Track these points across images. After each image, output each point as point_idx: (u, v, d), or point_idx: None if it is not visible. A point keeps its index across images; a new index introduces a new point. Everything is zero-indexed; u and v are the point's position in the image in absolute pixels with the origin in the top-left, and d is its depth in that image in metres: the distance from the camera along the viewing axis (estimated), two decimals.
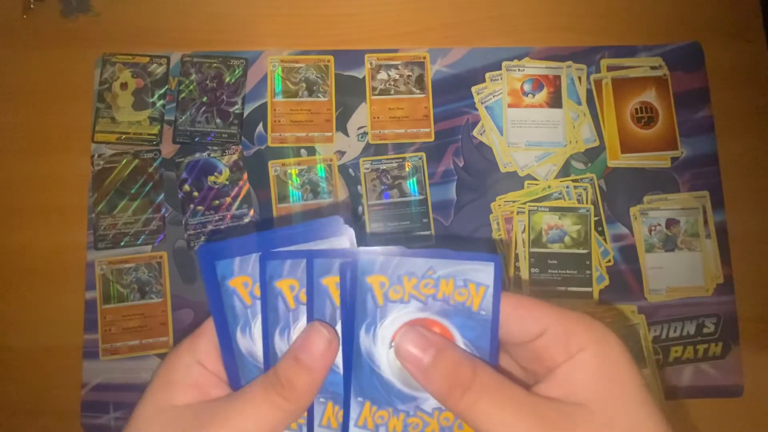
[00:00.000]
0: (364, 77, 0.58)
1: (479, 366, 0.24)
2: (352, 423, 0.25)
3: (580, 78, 0.59)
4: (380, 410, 0.25)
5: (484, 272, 0.25)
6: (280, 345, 0.26)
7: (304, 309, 0.26)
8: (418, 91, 0.58)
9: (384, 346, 0.25)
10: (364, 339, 0.25)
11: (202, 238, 0.55)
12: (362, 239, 0.56)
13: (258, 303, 0.26)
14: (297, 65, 0.58)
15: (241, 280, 0.26)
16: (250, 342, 0.26)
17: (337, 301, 0.26)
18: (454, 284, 0.25)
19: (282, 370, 0.25)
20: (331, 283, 0.26)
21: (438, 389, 0.24)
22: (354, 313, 0.25)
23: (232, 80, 0.58)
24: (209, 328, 0.27)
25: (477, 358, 0.25)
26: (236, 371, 0.27)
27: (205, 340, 0.27)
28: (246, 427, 0.24)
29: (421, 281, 0.25)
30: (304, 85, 0.58)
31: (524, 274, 0.55)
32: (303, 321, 0.26)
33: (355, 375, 0.25)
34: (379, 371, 0.26)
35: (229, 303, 0.26)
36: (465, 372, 0.24)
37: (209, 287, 0.26)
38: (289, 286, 0.26)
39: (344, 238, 0.26)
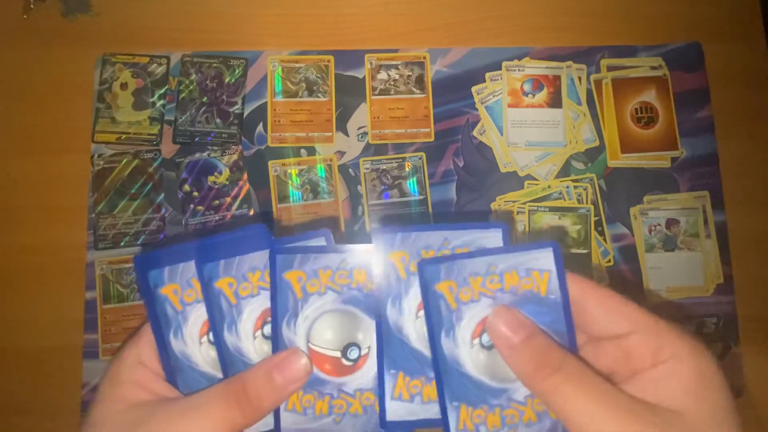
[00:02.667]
0: (364, 77, 0.58)
1: (568, 354, 0.25)
2: (452, 428, 0.26)
3: (580, 78, 0.59)
4: (476, 410, 0.26)
5: (543, 259, 0.26)
6: (230, 340, 0.28)
7: (246, 303, 0.28)
8: (418, 91, 0.58)
9: (466, 347, 0.26)
10: (445, 343, 0.26)
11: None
12: (362, 240, 0.56)
13: (187, 309, 0.28)
14: (297, 65, 0.58)
15: (171, 287, 0.28)
16: (183, 344, 0.28)
17: (299, 293, 0.27)
18: (518, 275, 0.26)
19: (252, 386, 0.26)
20: (293, 277, 0.27)
21: (525, 367, 0.24)
22: (432, 322, 0.26)
23: (232, 80, 0.58)
24: (148, 331, 0.28)
25: (564, 346, 0.25)
26: (172, 371, 0.28)
27: (145, 342, 0.28)
28: (207, 425, 0.25)
29: (487, 278, 0.26)
30: (304, 85, 0.58)
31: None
32: (246, 314, 0.28)
33: (447, 380, 0.26)
34: (466, 372, 0.26)
35: (162, 309, 0.28)
36: (554, 355, 0.24)
37: (144, 295, 0.28)
38: (228, 284, 0.28)
39: (264, 252, 0.28)
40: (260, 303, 0.28)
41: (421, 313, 0.27)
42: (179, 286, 0.28)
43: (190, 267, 0.28)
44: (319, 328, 0.28)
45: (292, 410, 0.27)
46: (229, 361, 0.28)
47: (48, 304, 0.54)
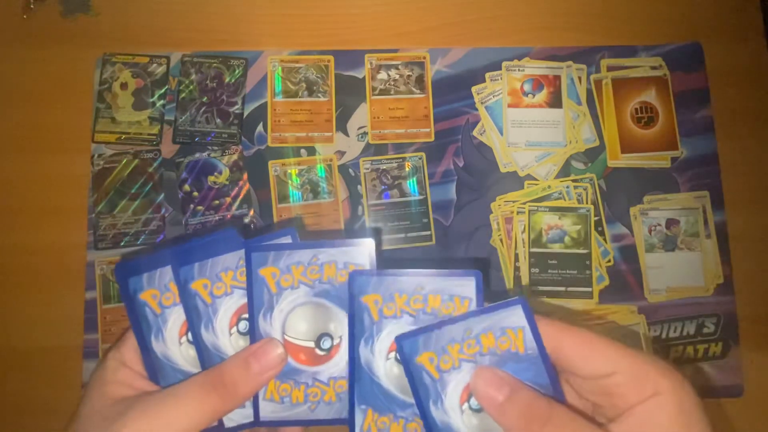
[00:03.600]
0: (364, 77, 0.58)
1: (555, 404, 0.25)
2: (357, 430, 0.27)
3: (580, 78, 0.59)
4: (382, 416, 0.28)
5: (514, 316, 0.27)
6: (207, 337, 0.29)
7: (221, 301, 0.29)
8: (418, 91, 0.58)
9: (456, 413, 0.27)
10: (435, 413, 0.27)
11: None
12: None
13: (166, 311, 0.30)
14: (297, 65, 0.58)
15: (150, 293, 0.30)
16: (163, 346, 0.30)
17: (273, 288, 0.29)
18: (494, 335, 0.27)
19: (228, 373, 0.27)
20: (267, 273, 0.29)
21: (515, 424, 0.25)
22: (419, 395, 0.27)
23: (232, 80, 0.58)
24: (130, 335, 0.30)
25: (549, 396, 0.26)
26: (155, 371, 0.30)
27: (128, 346, 0.30)
28: (178, 420, 0.26)
29: (464, 344, 0.27)
30: (304, 85, 0.58)
31: (524, 274, 0.55)
32: (221, 312, 0.29)
33: (357, 384, 0.28)
34: (378, 381, 0.28)
35: (142, 313, 0.30)
36: (541, 407, 0.25)
37: (125, 301, 0.30)
38: (203, 285, 0.29)
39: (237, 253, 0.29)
40: (234, 301, 0.30)
41: (392, 354, 0.28)
42: (158, 290, 0.30)
43: (167, 272, 0.30)
44: (293, 320, 0.29)
45: (270, 399, 0.28)
46: (208, 358, 0.29)
47: (48, 304, 0.54)
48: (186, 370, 0.30)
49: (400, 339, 0.27)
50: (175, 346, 0.30)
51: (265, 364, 0.27)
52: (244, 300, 0.30)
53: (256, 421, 0.29)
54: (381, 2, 0.60)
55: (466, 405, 0.27)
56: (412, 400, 0.27)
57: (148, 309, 0.30)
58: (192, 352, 0.30)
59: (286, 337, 0.29)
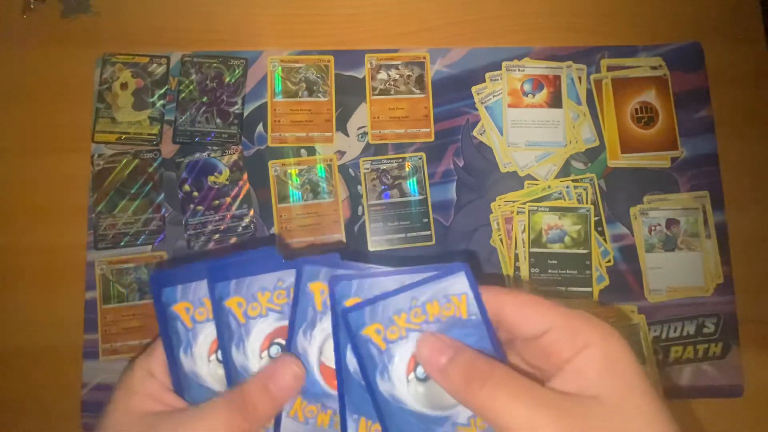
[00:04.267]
0: (364, 77, 0.58)
1: (495, 363, 0.26)
2: None
3: (580, 78, 0.59)
4: None
5: (458, 283, 0.27)
6: (237, 357, 0.29)
7: (255, 323, 0.29)
8: (418, 91, 0.58)
9: (402, 384, 0.27)
10: (382, 385, 0.27)
11: (202, 238, 0.55)
12: (362, 240, 0.56)
13: (198, 327, 0.29)
14: (297, 65, 0.58)
15: (183, 305, 0.29)
16: (191, 361, 0.29)
17: (319, 306, 0.28)
18: (439, 303, 0.27)
19: (249, 394, 0.27)
20: (316, 288, 0.28)
21: (456, 384, 0.25)
22: (365, 367, 0.27)
23: (232, 80, 0.58)
24: (159, 346, 0.30)
25: (492, 357, 0.26)
26: (181, 385, 0.29)
27: (156, 356, 0.29)
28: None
29: (410, 313, 0.27)
30: (304, 85, 0.58)
31: (524, 274, 0.55)
32: (254, 333, 0.29)
33: (389, 419, 0.27)
34: (408, 408, 0.27)
35: (173, 326, 0.29)
36: (482, 367, 0.25)
37: (157, 312, 0.29)
38: (237, 303, 0.29)
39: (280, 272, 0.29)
40: (268, 323, 0.29)
41: (411, 375, 0.28)
42: (191, 304, 0.29)
43: (202, 286, 0.29)
44: (331, 343, 0.28)
45: (294, 417, 0.28)
46: (236, 379, 0.29)
47: (48, 304, 0.54)
48: (213, 388, 0.29)
49: (345, 311, 0.27)
50: (203, 363, 0.29)
51: (282, 385, 0.27)
52: (278, 324, 0.29)
53: None
54: (381, 2, 0.60)
55: (412, 375, 0.27)
56: (447, 413, 0.27)
57: (180, 322, 0.29)
58: (220, 371, 0.29)
59: (322, 359, 0.28)
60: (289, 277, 0.29)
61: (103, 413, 0.29)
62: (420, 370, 0.27)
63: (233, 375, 0.29)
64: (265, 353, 0.29)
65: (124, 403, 0.28)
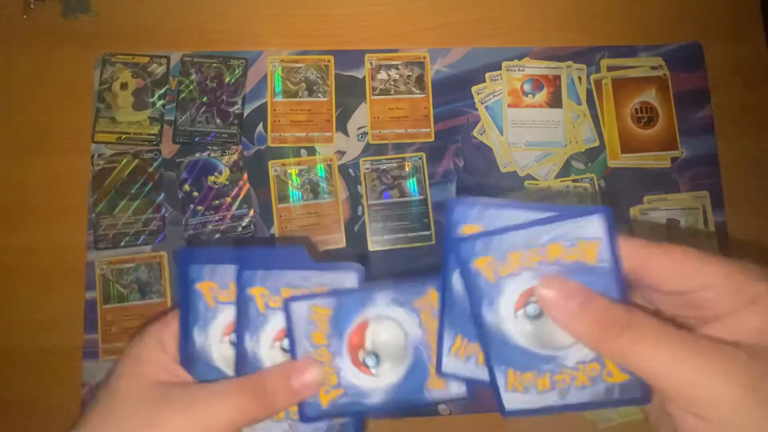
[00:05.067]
0: (364, 77, 0.58)
1: (634, 309, 0.23)
2: (502, 389, 0.25)
3: (580, 78, 0.59)
4: (525, 373, 0.25)
5: (592, 226, 0.24)
6: (250, 344, 0.29)
7: (273, 314, 0.29)
8: (418, 91, 0.58)
9: (510, 318, 0.26)
10: (488, 316, 0.26)
11: (202, 238, 0.55)
12: (362, 240, 0.56)
13: (219, 307, 0.30)
14: (297, 65, 0.58)
15: (208, 285, 0.30)
16: (204, 339, 0.30)
17: (261, 308, 0.29)
18: (563, 246, 0.25)
19: (270, 383, 0.27)
20: (257, 292, 0.29)
21: (589, 332, 0.23)
22: (472, 298, 0.26)
23: (232, 80, 0.58)
24: (174, 318, 0.30)
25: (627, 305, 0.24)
26: (190, 361, 0.30)
27: (169, 328, 0.30)
28: (219, 416, 0.26)
29: (528, 251, 0.25)
30: (304, 85, 0.58)
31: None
32: (271, 324, 0.29)
33: (492, 348, 0.26)
34: (513, 341, 0.26)
35: (194, 303, 0.30)
36: (618, 313, 0.23)
37: (180, 286, 0.30)
38: (260, 294, 0.29)
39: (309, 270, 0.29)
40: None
41: (520, 312, 0.26)
42: (216, 284, 0.30)
43: (230, 270, 0.29)
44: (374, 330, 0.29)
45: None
46: (243, 363, 0.29)
47: (48, 304, 0.54)
48: (220, 369, 0.30)
49: (457, 242, 0.25)
50: (216, 343, 0.30)
51: (305, 382, 0.28)
52: None
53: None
54: (381, 2, 0.60)
55: (521, 311, 0.25)
56: (554, 353, 0.25)
57: (201, 300, 0.30)
58: (230, 352, 0.29)
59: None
60: (314, 277, 0.29)
61: (110, 377, 0.29)
62: (531, 308, 0.25)
63: (242, 360, 0.29)
64: (277, 344, 0.29)
65: (135, 369, 0.28)
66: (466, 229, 0.26)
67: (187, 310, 0.30)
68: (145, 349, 0.29)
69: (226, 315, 0.30)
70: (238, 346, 0.29)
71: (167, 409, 0.26)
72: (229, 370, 0.29)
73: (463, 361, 0.27)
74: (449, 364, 0.27)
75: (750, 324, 0.22)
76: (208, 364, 0.30)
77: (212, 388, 0.27)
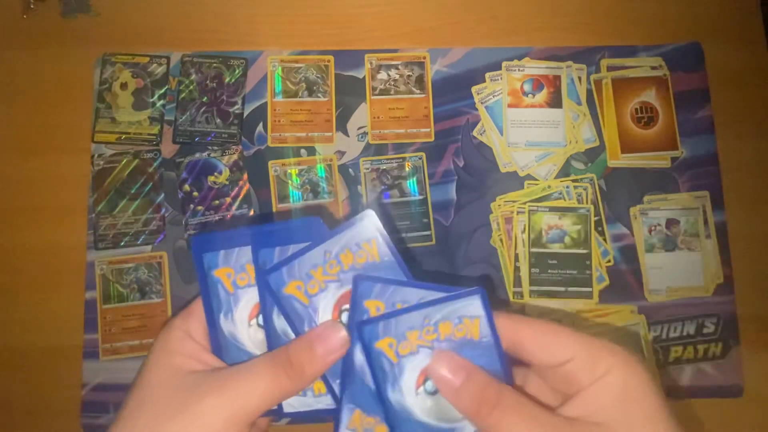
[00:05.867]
0: (364, 77, 0.58)
1: (504, 388, 0.27)
2: None
3: (580, 78, 0.59)
4: None
5: (472, 306, 0.28)
6: (279, 323, 0.29)
7: (317, 299, 0.29)
8: (418, 91, 0.58)
9: (411, 396, 0.28)
10: (392, 395, 0.28)
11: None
12: None
13: (239, 291, 0.30)
14: (297, 65, 0.58)
15: (225, 271, 0.30)
16: (232, 325, 0.30)
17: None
18: (452, 323, 0.28)
19: (295, 354, 0.28)
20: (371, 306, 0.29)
21: (468, 407, 0.26)
22: (377, 378, 0.28)
23: (232, 80, 0.58)
24: (197, 308, 0.30)
25: (501, 381, 0.27)
26: (220, 348, 0.30)
27: (195, 318, 0.30)
28: (250, 395, 0.27)
29: (423, 330, 0.28)
30: (304, 85, 0.58)
31: (524, 274, 0.55)
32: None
33: (398, 426, 0.28)
34: (416, 418, 0.28)
35: (214, 290, 0.30)
36: (492, 392, 0.26)
37: (199, 275, 0.30)
38: (296, 287, 0.29)
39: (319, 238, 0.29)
40: (332, 294, 0.30)
41: (421, 389, 0.28)
42: (233, 269, 0.30)
43: (245, 252, 0.29)
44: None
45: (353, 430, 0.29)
46: (276, 344, 0.29)
47: (48, 304, 0.54)
48: (251, 352, 0.30)
49: (360, 324, 0.28)
50: (244, 328, 0.30)
51: (329, 347, 0.28)
52: (341, 291, 0.29)
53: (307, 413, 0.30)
54: (381, 2, 0.60)
55: (421, 388, 0.28)
56: (453, 425, 0.28)
57: (221, 287, 0.30)
58: (260, 335, 0.29)
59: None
60: (334, 246, 0.29)
61: (139, 373, 0.29)
62: (429, 385, 0.28)
63: (274, 340, 0.29)
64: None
65: (166, 361, 0.29)
66: (379, 345, 0.28)
67: (209, 299, 0.30)
68: (172, 341, 0.30)
69: (249, 298, 0.30)
70: (267, 326, 0.29)
71: (199, 395, 0.27)
72: (261, 353, 0.30)
73: None
74: None
75: (600, 399, 0.25)
76: (239, 349, 0.30)
77: (241, 368, 0.28)
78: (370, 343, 0.28)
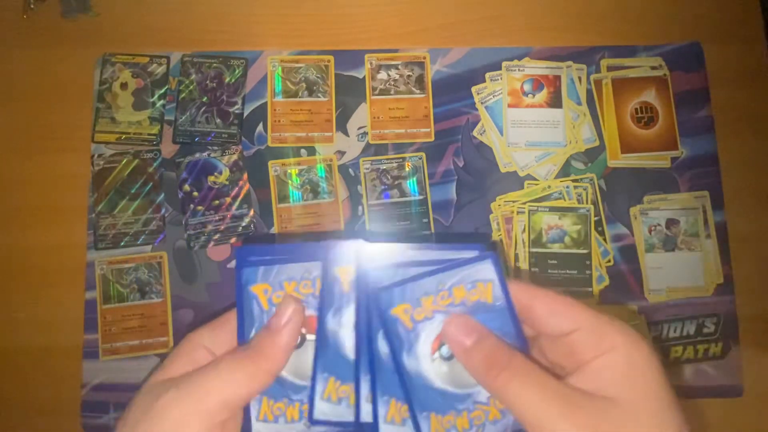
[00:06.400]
0: (364, 77, 0.58)
1: (515, 353, 0.27)
2: None
3: (580, 78, 0.59)
4: (445, 416, 0.28)
5: (485, 270, 0.28)
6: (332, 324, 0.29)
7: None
8: (418, 91, 0.58)
9: (427, 361, 0.28)
10: (408, 362, 0.28)
11: (202, 238, 0.55)
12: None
13: (273, 309, 0.29)
14: (297, 65, 0.58)
15: (262, 287, 0.29)
16: None
17: (345, 287, 0.29)
18: (465, 288, 0.28)
19: (255, 339, 0.28)
20: (343, 272, 0.29)
21: (477, 368, 0.27)
22: (393, 345, 0.28)
23: (232, 80, 0.58)
24: (230, 320, 0.30)
25: (514, 345, 0.28)
26: None
27: (224, 331, 0.29)
28: (210, 386, 0.26)
29: (437, 296, 0.28)
30: (304, 85, 0.58)
31: (524, 274, 0.55)
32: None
33: (414, 394, 0.28)
34: (431, 384, 0.28)
35: (249, 307, 0.29)
36: (502, 355, 0.26)
37: (237, 289, 0.30)
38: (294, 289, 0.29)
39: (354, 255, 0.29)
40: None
41: (436, 354, 0.29)
42: (270, 286, 0.29)
43: (284, 270, 0.29)
44: None
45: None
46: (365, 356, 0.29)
47: (48, 304, 0.54)
48: (284, 376, 0.29)
49: (377, 291, 0.28)
50: None
51: (282, 318, 0.28)
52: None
53: None
54: (381, 2, 0.60)
55: (436, 354, 0.28)
56: (468, 391, 0.28)
57: (256, 303, 0.29)
58: (292, 359, 0.29)
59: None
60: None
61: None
62: (444, 350, 0.28)
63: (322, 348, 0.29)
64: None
65: (157, 372, 0.28)
66: (395, 311, 0.28)
67: (242, 314, 0.29)
68: (183, 346, 0.29)
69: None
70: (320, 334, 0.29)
71: (162, 395, 0.26)
72: (288, 374, 0.29)
73: (335, 404, 0.28)
74: (322, 409, 0.28)
75: (606, 374, 0.25)
76: None
77: (205, 366, 0.27)
78: (386, 310, 0.28)
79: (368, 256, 0.29)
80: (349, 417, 0.28)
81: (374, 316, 0.28)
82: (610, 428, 0.23)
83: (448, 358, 0.28)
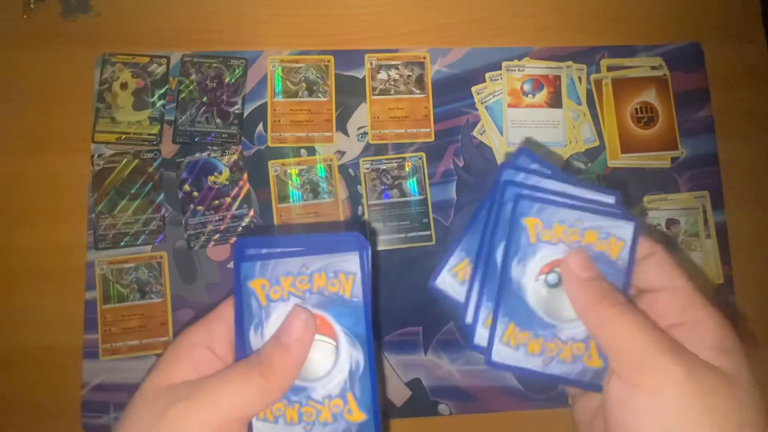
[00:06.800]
0: (364, 77, 0.58)
1: (626, 297, 0.28)
2: (497, 339, 0.29)
3: (580, 78, 0.59)
4: (523, 332, 0.29)
5: (627, 230, 0.30)
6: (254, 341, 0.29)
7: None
8: (418, 91, 0.58)
9: (531, 278, 0.29)
10: (515, 270, 0.29)
11: (202, 238, 0.55)
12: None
13: (272, 305, 0.29)
14: (297, 65, 0.58)
15: (260, 282, 0.29)
16: (260, 340, 0.29)
17: (263, 301, 0.29)
18: (598, 236, 0.30)
19: (264, 351, 0.27)
20: (257, 285, 0.29)
21: (587, 298, 0.28)
22: (509, 247, 0.30)
23: (232, 80, 0.58)
24: (224, 315, 0.29)
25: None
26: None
27: (220, 327, 0.29)
28: (224, 401, 0.26)
29: (569, 229, 0.30)
30: (304, 85, 0.58)
31: None
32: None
33: (505, 301, 0.29)
34: (524, 300, 0.29)
35: (247, 302, 0.29)
36: (615, 294, 0.28)
37: (235, 283, 0.29)
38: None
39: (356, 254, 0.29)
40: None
41: (542, 277, 0.30)
42: (268, 281, 0.29)
43: (281, 264, 0.29)
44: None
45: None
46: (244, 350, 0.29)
47: (48, 304, 0.54)
48: None
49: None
50: None
51: (293, 334, 0.27)
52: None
53: None
54: (381, 2, 0.60)
55: (543, 277, 0.29)
56: (553, 322, 0.29)
57: (254, 298, 0.29)
58: None
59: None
60: (313, 263, 0.29)
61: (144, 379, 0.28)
62: (552, 277, 0.29)
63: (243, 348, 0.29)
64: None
65: (155, 375, 0.27)
66: (526, 221, 0.30)
67: (241, 310, 0.29)
68: (182, 348, 0.28)
69: (280, 314, 0.29)
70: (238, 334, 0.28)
71: (171, 403, 0.25)
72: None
73: (513, 349, 0.29)
74: (500, 351, 0.29)
75: (697, 343, 0.26)
76: None
77: (216, 373, 0.27)
78: (520, 218, 0.29)
79: None
80: (527, 364, 0.29)
81: (502, 222, 0.30)
82: (716, 381, 0.24)
83: (553, 286, 0.29)
